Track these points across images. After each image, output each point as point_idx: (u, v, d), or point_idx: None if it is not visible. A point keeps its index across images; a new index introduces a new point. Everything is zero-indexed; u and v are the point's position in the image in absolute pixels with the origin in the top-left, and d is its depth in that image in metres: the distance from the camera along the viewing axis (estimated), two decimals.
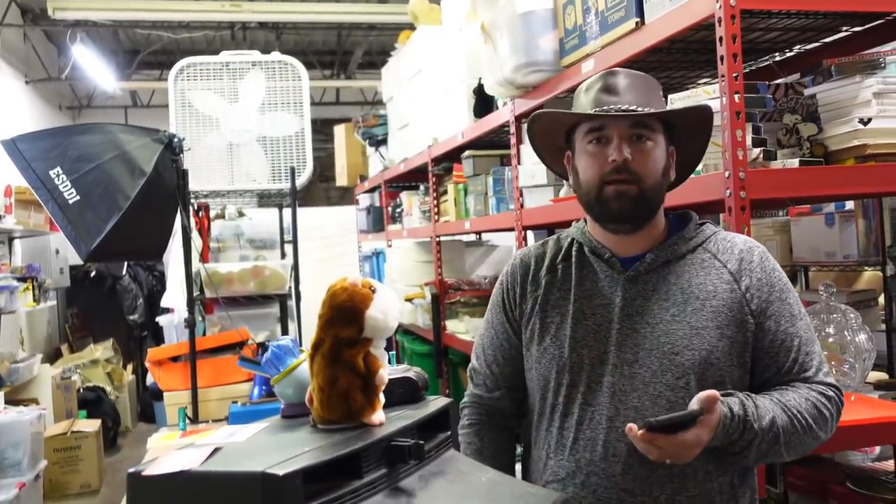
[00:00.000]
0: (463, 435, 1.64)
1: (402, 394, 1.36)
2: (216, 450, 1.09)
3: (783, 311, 1.47)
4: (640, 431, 1.29)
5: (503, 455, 1.65)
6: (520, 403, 1.65)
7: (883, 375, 2.55)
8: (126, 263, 7.96)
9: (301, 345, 1.48)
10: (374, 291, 1.21)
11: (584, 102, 1.52)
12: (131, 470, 1.05)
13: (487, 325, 1.69)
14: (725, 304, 1.46)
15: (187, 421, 2.95)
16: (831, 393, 1.46)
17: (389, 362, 1.38)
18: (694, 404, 1.33)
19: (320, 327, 1.21)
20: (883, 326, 2.79)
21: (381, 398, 1.23)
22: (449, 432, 1.33)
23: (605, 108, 1.47)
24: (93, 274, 8.11)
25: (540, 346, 1.55)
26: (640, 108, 1.46)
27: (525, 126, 2.92)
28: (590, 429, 1.46)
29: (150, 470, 1.04)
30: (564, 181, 2.78)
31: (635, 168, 1.46)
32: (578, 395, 1.49)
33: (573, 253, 1.59)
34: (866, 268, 3.02)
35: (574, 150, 1.56)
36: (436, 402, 1.35)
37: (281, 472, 0.97)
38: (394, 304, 1.24)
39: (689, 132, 1.56)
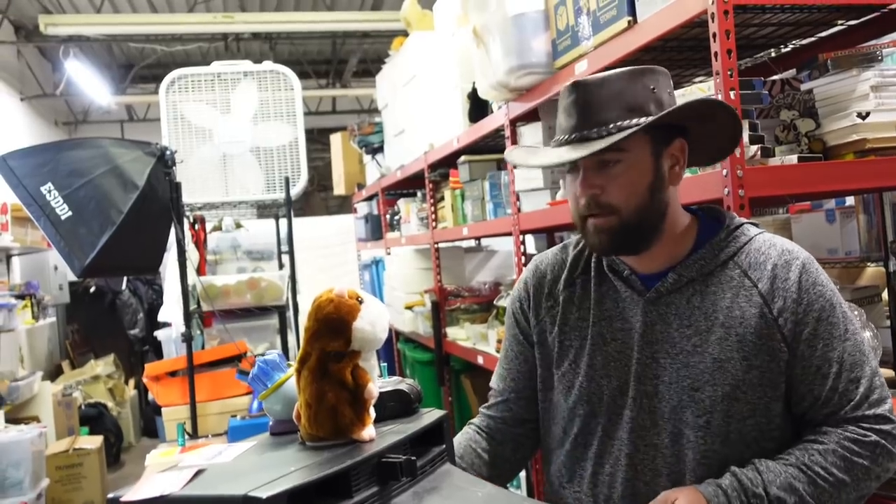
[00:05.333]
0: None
1: (395, 407, 1.31)
2: (199, 472, 1.05)
3: (821, 333, 1.31)
4: None
5: (507, 457, 1.56)
6: (531, 426, 1.57)
7: (889, 373, 2.50)
8: (125, 278, 7.93)
9: None
10: (361, 302, 1.17)
11: (559, 122, 1.40)
12: (110, 495, 1.02)
13: (504, 341, 1.61)
14: (754, 330, 1.31)
15: (186, 436, 2.92)
16: (872, 437, 1.28)
17: (381, 374, 1.34)
18: None
19: (306, 340, 1.17)
20: (888, 322, 2.74)
21: (372, 413, 1.19)
22: (444, 446, 1.28)
23: (564, 136, 1.36)
24: (92, 289, 8.10)
25: (558, 371, 1.47)
26: (595, 133, 1.31)
27: (520, 130, 2.93)
28: (609, 464, 1.39)
29: (130, 495, 1.00)
30: (560, 182, 2.76)
31: (607, 200, 1.34)
32: (599, 427, 1.41)
33: (592, 266, 1.47)
34: (869, 263, 2.98)
35: None
36: (429, 415, 1.31)
37: (265, 494, 0.93)
38: (383, 315, 1.20)
39: (697, 120, 1.38)
